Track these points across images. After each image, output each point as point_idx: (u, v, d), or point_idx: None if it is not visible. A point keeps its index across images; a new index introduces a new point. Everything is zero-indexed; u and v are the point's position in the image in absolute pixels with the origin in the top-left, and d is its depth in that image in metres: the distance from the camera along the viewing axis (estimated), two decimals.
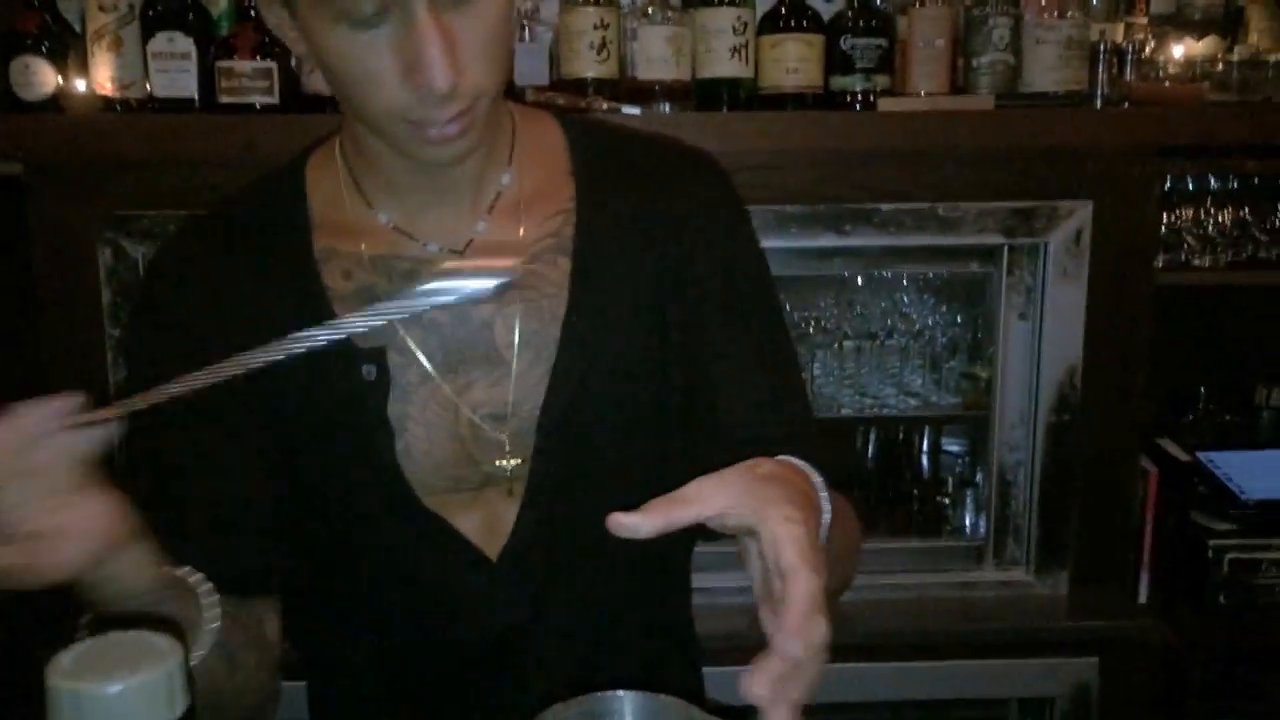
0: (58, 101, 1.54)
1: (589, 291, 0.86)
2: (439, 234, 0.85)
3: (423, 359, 0.84)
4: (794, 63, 1.57)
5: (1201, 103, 1.64)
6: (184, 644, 0.52)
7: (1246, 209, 1.87)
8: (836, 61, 1.59)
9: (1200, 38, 1.76)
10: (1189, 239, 1.86)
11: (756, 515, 0.58)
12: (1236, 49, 1.75)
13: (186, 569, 0.74)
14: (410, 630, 0.89)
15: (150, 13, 1.52)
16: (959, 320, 1.88)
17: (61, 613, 0.71)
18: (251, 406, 0.84)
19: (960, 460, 1.98)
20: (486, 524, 0.86)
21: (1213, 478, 1.84)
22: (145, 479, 0.85)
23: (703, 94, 1.59)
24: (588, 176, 0.89)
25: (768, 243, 0.94)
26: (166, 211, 1.53)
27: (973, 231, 1.63)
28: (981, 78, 1.59)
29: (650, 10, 1.57)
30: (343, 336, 0.67)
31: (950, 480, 1.97)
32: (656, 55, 1.55)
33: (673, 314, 0.88)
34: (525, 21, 1.64)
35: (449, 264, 0.69)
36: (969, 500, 1.90)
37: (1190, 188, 1.87)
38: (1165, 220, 1.83)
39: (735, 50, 1.56)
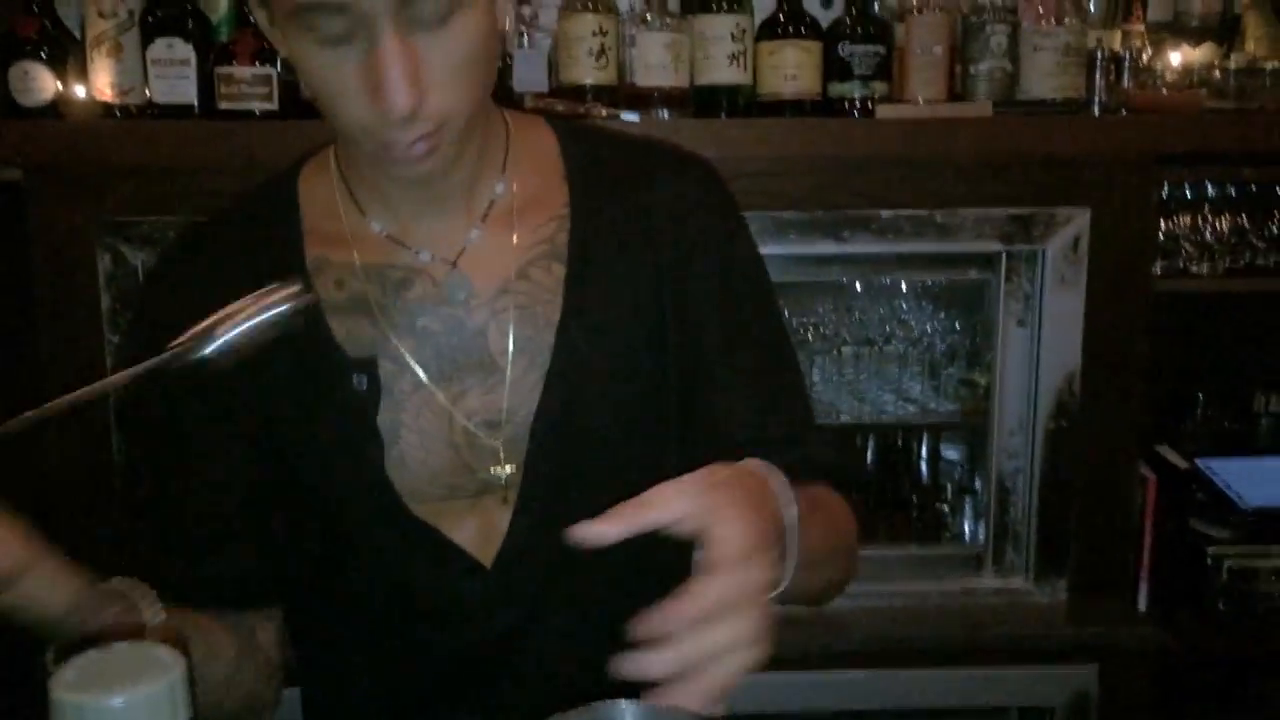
0: (57, 107, 1.54)
1: (583, 297, 0.86)
2: (432, 242, 0.85)
3: (416, 367, 0.84)
4: (792, 69, 1.57)
5: (1198, 110, 1.65)
6: (187, 656, 0.52)
7: (1244, 216, 1.87)
8: (835, 68, 1.59)
9: (1197, 45, 1.76)
10: (1187, 246, 1.86)
11: (702, 522, 0.60)
12: (1233, 56, 1.75)
13: (123, 579, 0.74)
14: (406, 636, 0.89)
15: (150, 19, 1.52)
16: (957, 327, 1.88)
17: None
18: (243, 419, 0.84)
19: (959, 467, 1.98)
20: (482, 531, 0.86)
21: (1211, 485, 1.84)
22: (140, 492, 0.85)
23: (701, 100, 1.60)
24: (582, 181, 0.89)
25: (766, 249, 0.94)
26: (165, 217, 1.54)
27: (971, 238, 1.63)
28: (979, 85, 1.59)
29: (649, 17, 1.58)
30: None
31: (949, 487, 1.97)
32: (655, 62, 1.56)
33: (669, 317, 0.88)
34: (524, 28, 1.64)
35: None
36: (968, 507, 1.90)
37: (1188, 195, 1.88)
38: (1163, 227, 1.84)
39: (734, 57, 1.57)
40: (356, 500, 0.85)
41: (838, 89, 1.60)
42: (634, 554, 0.61)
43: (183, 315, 0.85)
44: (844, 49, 1.59)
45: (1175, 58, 1.74)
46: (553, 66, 1.62)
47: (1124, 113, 1.62)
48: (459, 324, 0.84)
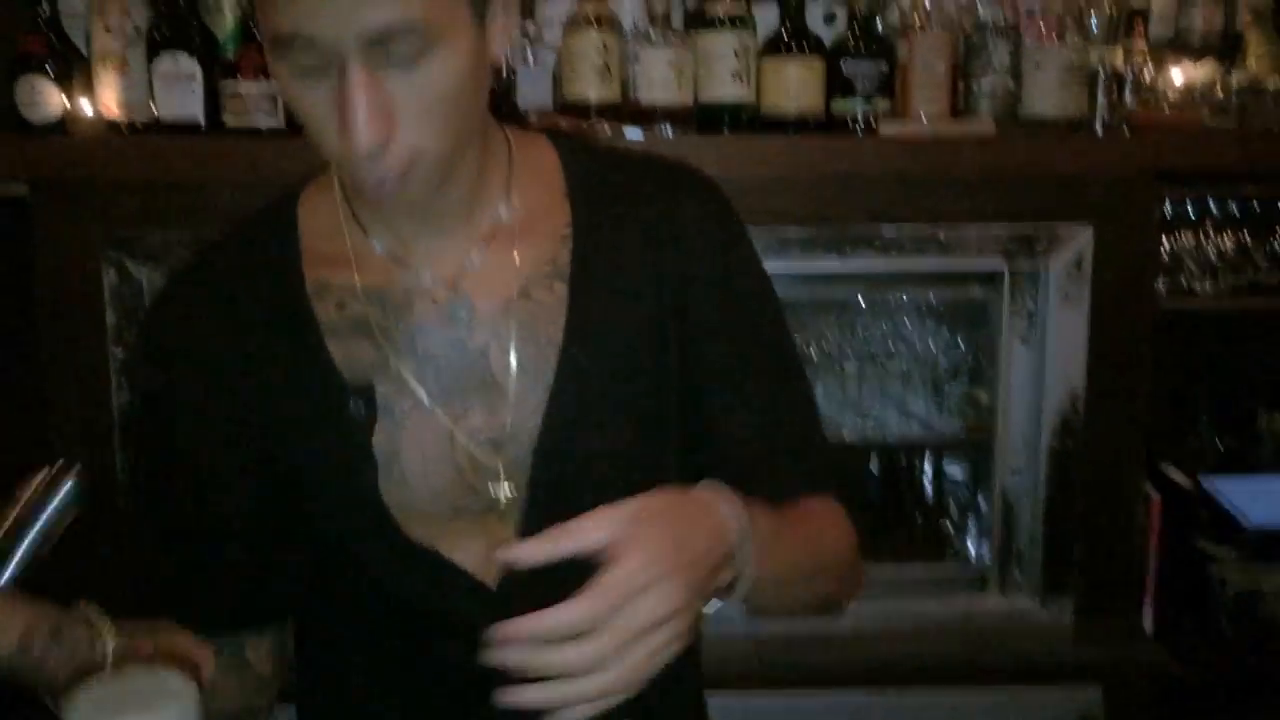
0: (63, 123, 1.54)
1: (586, 316, 0.86)
2: (433, 262, 0.85)
3: (417, 388, 0.83)
4: (795, 86, 1.58)
5: (1200, 128, 1.65)
6: (199, 682, 0.52)
7: (1246, 234, 1.87)
8: (837, 85, 1.60)
9: (1198, 62, 1.77)
10: (1190, 264, 1.86)
11: (616, 551, 0.63)
12: (1235, 75, 1.75)
13: (84, 604, 0.74)
14: (408, 655, 0.89)
15: (155, 35, 1.53)
16: (961, 344, 1.88)
17: None
18: (245, 443, 0.85)
19: (963, 485, 1.97)
20: (486, 550, 0.86)
21: (1216, 504, 1.83)
22: (142, 511, 0.85)
23: (704, 117, 1.60)
24: (584, 199, 0.88)
25: (769, 266, 0.94)
26: (171, 233, 1.54)
27: (974, 255, 1.63)
28: (982, 102, 1.59)
29: (653, 34, 1.58)
30: None
31: (953, 505, 1.96)
32: (658, 78, 1.56)
33: (672, 334, 0.88)
34: (529, 44, 1.65)
35: None
36: (972, 526, 1.89)
37: (1190, 213, 1.88)
38: (1166, 246, 1.84)
39: (737, 74, 1.57)
40: (353, 523, 0.85)
41: (840, 106, 1.60)
42: None
43: (186, 343, 0.86)
44: (847, 66, 1.59)
45: (1177, 75, 1.74)
46: (557, 83, 1.63)
47: (1126, 130, 1.62)
48: (460, 344, 0.84)
